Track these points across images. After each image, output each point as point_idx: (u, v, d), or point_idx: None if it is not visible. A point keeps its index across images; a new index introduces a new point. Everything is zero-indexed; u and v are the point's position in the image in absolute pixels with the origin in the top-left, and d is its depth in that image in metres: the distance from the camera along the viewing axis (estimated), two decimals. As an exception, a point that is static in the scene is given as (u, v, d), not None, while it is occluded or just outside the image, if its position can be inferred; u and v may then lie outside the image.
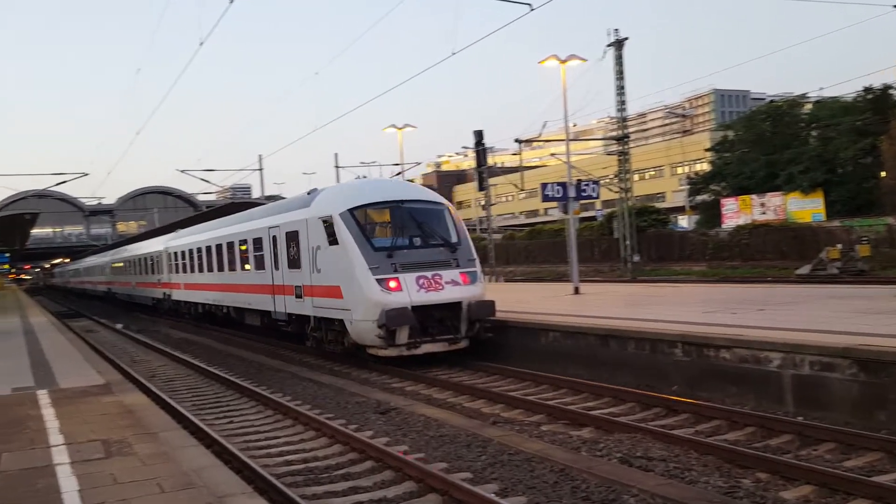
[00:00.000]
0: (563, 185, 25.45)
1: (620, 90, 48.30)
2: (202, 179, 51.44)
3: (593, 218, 72.90)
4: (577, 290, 25.54)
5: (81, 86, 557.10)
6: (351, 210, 18.23)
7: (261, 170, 54.87)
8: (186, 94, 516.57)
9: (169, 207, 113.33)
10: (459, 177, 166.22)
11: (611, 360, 15.42)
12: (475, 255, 18.66)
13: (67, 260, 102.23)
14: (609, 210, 68.06)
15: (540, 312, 19.46)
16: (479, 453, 10.67)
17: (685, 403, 12.62)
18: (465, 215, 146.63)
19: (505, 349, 18.47)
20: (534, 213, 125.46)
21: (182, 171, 50.03)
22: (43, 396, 13.13)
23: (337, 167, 54.70)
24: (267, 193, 64.26)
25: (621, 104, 48.54)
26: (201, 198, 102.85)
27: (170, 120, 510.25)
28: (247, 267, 24.47)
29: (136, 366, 22.08)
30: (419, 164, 62.27)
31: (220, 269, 27.65)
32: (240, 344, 26.46)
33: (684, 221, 76.27)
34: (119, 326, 36.37)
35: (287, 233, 20.80)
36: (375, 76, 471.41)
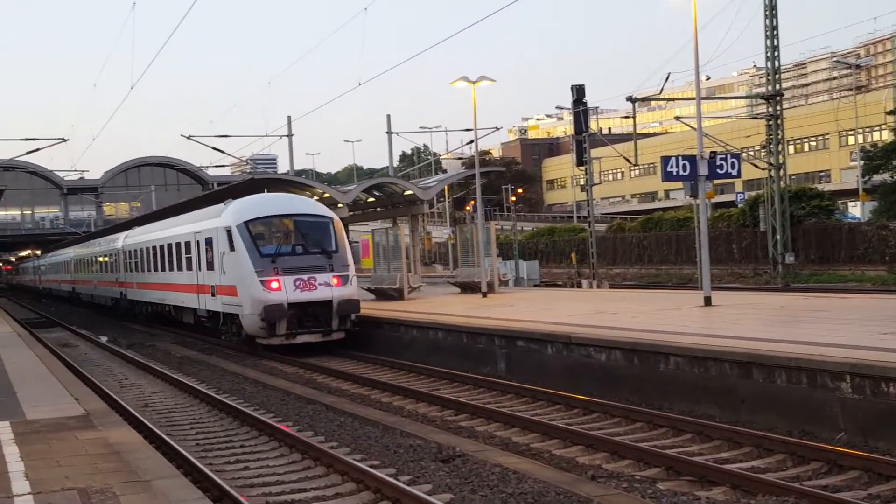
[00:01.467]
0: (690, 158, 25.13)
1: (772, 31, 47.56)
2: (213, 148, 52.59)
3: (732, 203, 72.03)
4: (707, 301, 25.23)
5: (61, 27, 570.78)
6: (246, 222, 28.23)
7: (290, 136, 55.56)
8: (195, 38, 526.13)
9: (170, 184, 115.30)
10: (551, 146, 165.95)
11: (753, 397, 15.22)
12: (350, 261, 28.40)
13: (38, 252, 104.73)
14: (753, 193, 67.15)
15: (654, 330, 19.29)
16: (573, 518, 10.60)
17: (854, 457, 12.38)
18: (558, 198, 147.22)
19: (606, 378, 18.38)
20: (650, 196, 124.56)
21: (188, 138, 50.79)
22: (4, 430, 13.46)
23: (389, 133, 55.10)
24: (297, 167, 64.97)
25: (772, 50, 47.78)
26: (212, 172, 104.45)
27: (173, 72, 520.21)
28: (181, 268, 34.07)
29: (124, 392, 22.53)
30: (498, 129, 62.28)
31: (163, 269, 37.24)
32: (259, 366, 26.82)
33: (857, 209, 74.77)
34: (104, 340, 37.18)
35: (205, 238, 30.73)
36: (440, 13, 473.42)
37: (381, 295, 36.34)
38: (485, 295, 34.03)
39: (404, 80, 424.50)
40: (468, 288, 37.32)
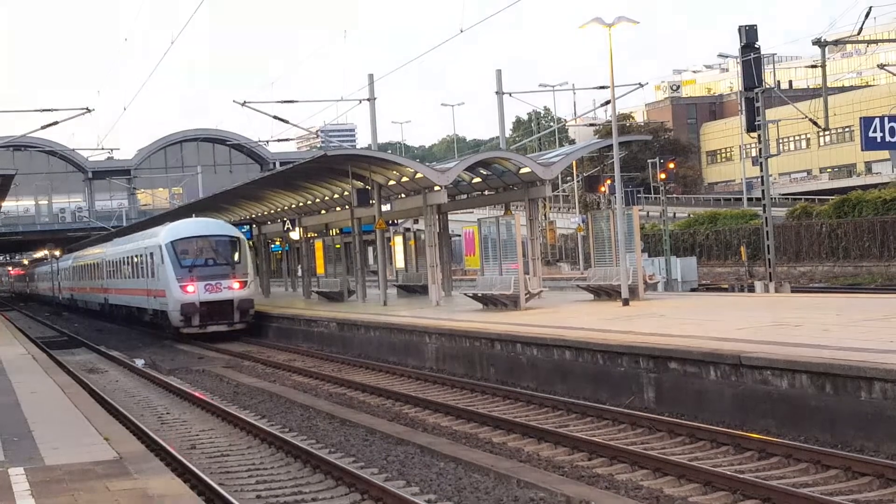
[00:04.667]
0: (898, 120, 24.67)
1: None
2: (275, 117, 52.70)
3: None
4: (923, 309, 24.79)
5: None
6: (171, 241, 47.47)
7: (372, 100, 55.79)
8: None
9: (220, 164, 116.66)
10: (712, 107, 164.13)
11: None
12: (249, 270, 48.79)
13: (57, 253, 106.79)
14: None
15: (852, 348, 18.98)
16: None
17: None
18: (722, 175, 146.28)
19: (788, 411, 18.18)
20: (846, 170, 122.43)
21: (242, 105, 51.34)
22: (18, 479, 13.74)
23: (500, 94, 54.94)
24: (381, 140, 65.23)
25: None
26: (273, 148, 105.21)
27: (222, 21, 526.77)
28: (139, 275, 52.93)
29: (166, 430, 22.91)
30: (642, 85, 61.26)
31: (128, 276, 56.88)
32: (334, 397, 27.07)
33: None
34: (140, 364, 37.84)
35: (150, 252, 49.99)
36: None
37: (491, 303, 36.23)
38: (626, 303, 33.80)
39: (520, 25, 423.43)
40: (604, 294, 37.09)
